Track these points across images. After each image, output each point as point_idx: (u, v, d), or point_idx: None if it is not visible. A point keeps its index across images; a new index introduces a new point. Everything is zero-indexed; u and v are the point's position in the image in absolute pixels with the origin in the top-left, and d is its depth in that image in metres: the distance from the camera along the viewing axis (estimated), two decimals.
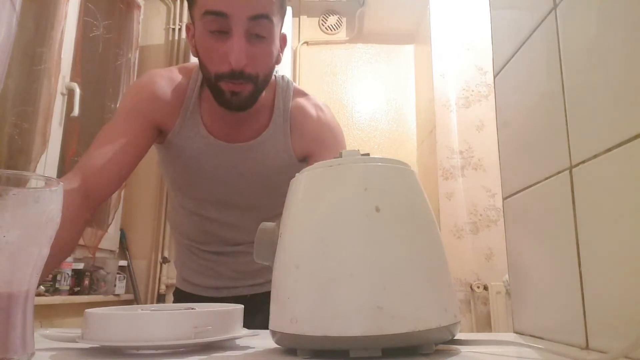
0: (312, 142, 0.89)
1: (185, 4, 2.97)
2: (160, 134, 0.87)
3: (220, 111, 0.84)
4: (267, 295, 0.45)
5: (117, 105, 2.46)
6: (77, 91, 2.04)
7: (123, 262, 2.41)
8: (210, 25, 0.74)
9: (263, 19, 0.74)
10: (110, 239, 2.34)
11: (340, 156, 0.43)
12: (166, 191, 2.64)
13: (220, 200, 0.92)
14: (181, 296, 1.03)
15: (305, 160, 0.90)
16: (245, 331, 0.48)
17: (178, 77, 0.88)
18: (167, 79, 0.88)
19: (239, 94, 0.77)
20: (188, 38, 0.83)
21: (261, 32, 0.75)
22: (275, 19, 0.76)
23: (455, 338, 0.41)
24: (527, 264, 0.55)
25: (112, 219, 2.38)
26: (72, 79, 2.08)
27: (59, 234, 0.46)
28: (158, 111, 0.85)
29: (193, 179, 0.91)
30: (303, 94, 0.93)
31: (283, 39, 0.85)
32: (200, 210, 0.94)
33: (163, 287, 2.52)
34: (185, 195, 0.95)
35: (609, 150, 0.39)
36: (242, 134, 0.87)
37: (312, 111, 0.91)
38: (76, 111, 2.02)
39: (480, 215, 2.24)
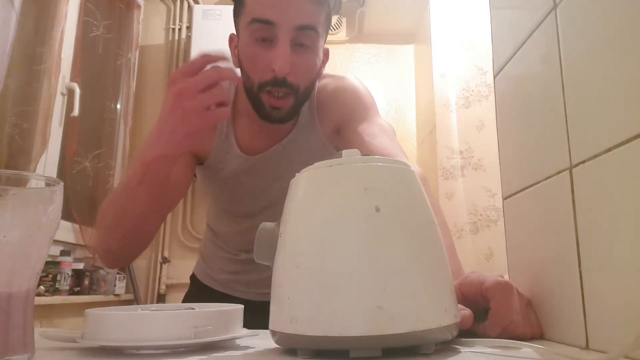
0: (337, 114, 0.87)
1: (186, 4, 2.97)
2: (199, 158, 0.89)
3: (254, 125, 0.84)
4: None
5: (117, 105, 2.47)
6: (77, 91, 2.04)
7: None
8: (256, 33, 0.74)
9: (309, 30, 0.74)
10: None
11: (340, 156, 0.43)
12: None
13: (266, 206, 0.92)
14: (203, 290, 1.02)
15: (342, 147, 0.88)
16: (245, 331, 0.48)
17: None
18: None
19: (280, 109, 0.77)
20: (231, 48, 0.84)
21: (306, 43, 0.75)
22: (321, 31, 0.77)
23: (455, 338, 0.41)
24: (527, 264, 0.55)
25: None
26: (72, 79, 2.08)
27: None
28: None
29: (233, 195, 0.92)
30: (326, 75, 0.92)
31: (326, 54, 0.85)
32: (246, 220, 0.94)
33: (163, 287, 2.52)
34: (227, 210, 0.96)
35: (609, 150, 0.39)
36: (274, 137, 0.87)
37: (331, 86, 0.89)
38: (76, 111, 2.02)
39: (480, 215, 2.24)
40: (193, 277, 1.07)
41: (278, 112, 0.77)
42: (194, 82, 0.60)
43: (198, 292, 1.03)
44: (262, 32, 0.74)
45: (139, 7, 2.65)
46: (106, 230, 0.76)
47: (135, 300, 2.41)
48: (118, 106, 2.47)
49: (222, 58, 0.62)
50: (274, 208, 0.91)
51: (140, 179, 0.68)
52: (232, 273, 0.99)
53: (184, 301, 1.05)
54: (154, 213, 0.75)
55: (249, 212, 0.93)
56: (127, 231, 0.74)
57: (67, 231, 2.08)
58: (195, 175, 0.92)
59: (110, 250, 0.78)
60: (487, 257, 2.19)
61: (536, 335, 0.49)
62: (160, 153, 0.65)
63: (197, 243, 2.49)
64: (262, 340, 0.50)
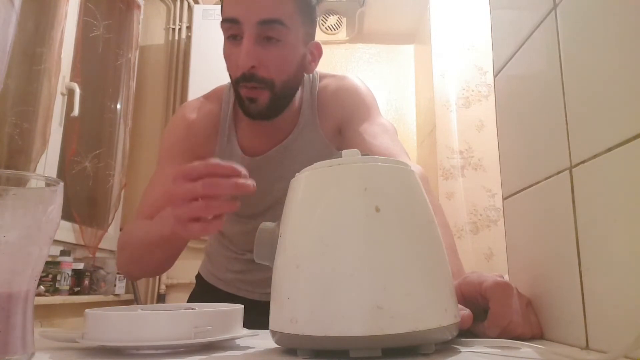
0: (338, 114, 0.87)
1: (186, 4, 2.97)
2: None
3: (255, 126, 0.85)
4: None
5: (117, 105, 2.47)
6: (77, 91, 2.04)
7: None
8: (228, 32, 0.77)
9: (273, 23, 0.74)
10: (110, 239, 2.35)
11: (340, 156, 0.43)
12: None
13: (269, 207, 0.92)
14: (209, 289, 1.02)
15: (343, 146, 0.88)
16: (245, 331, 0.48)
17: (209, 106, 0.90)
18: (198, 111, 0.89)
19: (256, 100, 0.77)
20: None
21: (274, 37, 0.75)
22: (292, 25, 0.77)
23: (455, 338, 0.41)
24: (527, 264, 0.55)
25: (112, 219, 2.38)
26: (72, 79, 2.08)
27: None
28: (197, 146, 0.87)
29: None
30: (328, 75, 0.92)
31: (316, 47, 0.85)
32: (250, 220, 0.94)
33: (163, 287, 2.52)
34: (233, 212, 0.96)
35: (609, 150, 0.39)
36: (276, 137, 0.88)
37: (332, 86, 0.90)
38: (76, 111, 2.02)
39: (480, 215, 2.24)
40: (198, 277, 1.07)
41: (255, 105, 0.78)
42: (179, 192, 0.56)
43: (203, 291, 1.03)
44: (231, 30, 0.76)
45: (139, 7, 2.65)
46: (126, 265, 0.80)
47: (135, 300, 2.41)
48: (118, 106, 2.48)
49: (234, 173, 0.57)
50: (277, 208, 0.91)
51: (157, 243, 0.70)
52: (237, 272, 0.99)
53: (189, 301, 1.05)
54: (173, 258, 0.78)
55: (253, 213, 0.93)
56: (148, 271, 0.80)
57: (67, 231, 2.08)
58: None
59: (133, 275, 0.84)
60: (487, 257, 2.19)
61: (536, 335, 0.49)
62: (171, 232, 0.63)
63: (197, 243, 2.49)
64: (262, 340, 0.50)
